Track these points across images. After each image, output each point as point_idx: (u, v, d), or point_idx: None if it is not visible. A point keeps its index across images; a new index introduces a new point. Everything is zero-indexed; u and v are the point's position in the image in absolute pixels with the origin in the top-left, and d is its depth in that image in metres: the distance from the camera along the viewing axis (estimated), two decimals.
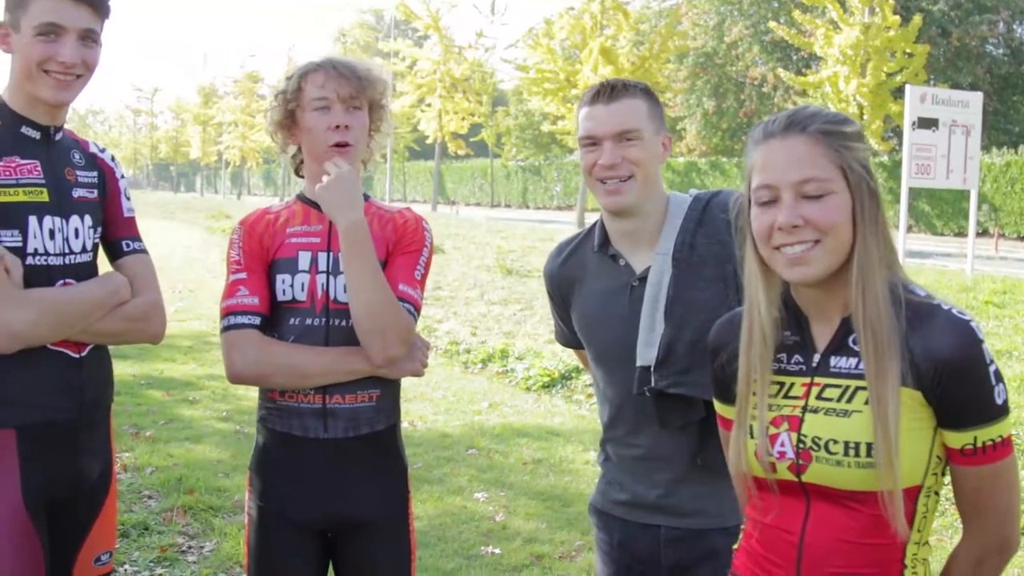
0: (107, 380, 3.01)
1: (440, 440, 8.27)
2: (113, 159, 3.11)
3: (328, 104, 2.91)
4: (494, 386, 10.67)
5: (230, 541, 5.82)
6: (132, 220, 3.08)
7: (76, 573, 2.93)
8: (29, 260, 2.73)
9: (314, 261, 2.92)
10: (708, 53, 49.93)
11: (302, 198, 3.04)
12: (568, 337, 3.19)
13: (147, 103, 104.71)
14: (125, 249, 3.02)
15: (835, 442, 2.04)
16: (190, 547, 5.81)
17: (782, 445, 2.11)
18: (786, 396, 2.15)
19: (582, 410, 9.63)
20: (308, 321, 2.90)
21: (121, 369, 6.88)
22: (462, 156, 51.76)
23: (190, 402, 9.65)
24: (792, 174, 2.05)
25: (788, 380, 2.17)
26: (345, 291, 2.87)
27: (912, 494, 2.04)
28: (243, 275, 2.93)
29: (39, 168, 2.79)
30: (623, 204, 2.83)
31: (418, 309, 2.93)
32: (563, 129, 35.62)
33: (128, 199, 3.10)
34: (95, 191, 2.96)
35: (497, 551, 5.86)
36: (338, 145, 2.92)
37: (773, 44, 46.75)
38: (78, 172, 2.92)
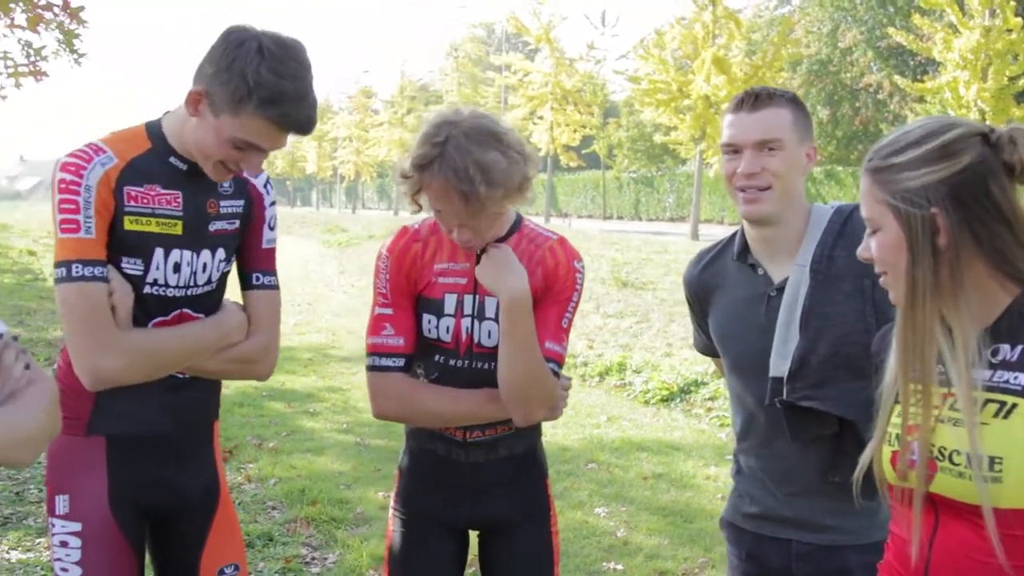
0: (211, 400, 3.01)
1: (560, 454, 8.22)
2: (267, 184, 3.00)
3: (445, 221, 2.78)
4: (612, 399, 10.60)
5: (353, 553, 5.85)
6: (270, 252, 3.01)
7: None
8: (147, 289, 2.72)
9: (459, 304, 2.90)
10: (822, 60, 49.12)
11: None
12: (706, 345, 3.15)
13: None
14: (255, 282, 2.97)
15: (959, 453, 1.98)
16: (314, 558, 5.86)
17: (913, 453, 2.07)
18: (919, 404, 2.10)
19: (702, 424, 9.51)
20: (452, 362, 2.91)
21: (243, 381, 6.98)
22: (574, 168, 51.70)
23: (311, 414, 9.77)
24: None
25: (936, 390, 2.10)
26: (490, 337, 2.87)
27: None
28: (389, 311, 2.92)
29: (179, 199, 2.74)
30: (761, 213, 2.78)
31: (561, 364, 2.89)
32: (675, 140, 35.31)
33: (272, 229, 3.02)
34: (236, 222, 2.91)
35: (619, 567, 5.80)
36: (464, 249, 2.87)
37: (889, 50, 45.79)
38: (222, 203, 2.86)
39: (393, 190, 76.83)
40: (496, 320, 2.85)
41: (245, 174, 2.91)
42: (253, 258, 2.98)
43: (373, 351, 2.91)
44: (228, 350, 2.84)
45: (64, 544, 2.75)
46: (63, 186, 2.60)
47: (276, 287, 3.02)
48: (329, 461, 8.01)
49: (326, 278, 24.42)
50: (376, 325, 2.92)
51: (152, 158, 2.72)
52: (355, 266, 27.06)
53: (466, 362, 2.90)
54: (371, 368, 2.91)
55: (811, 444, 2.74)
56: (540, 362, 2.79)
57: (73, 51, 14.27)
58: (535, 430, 3.06)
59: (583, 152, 49.39)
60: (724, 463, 8.08)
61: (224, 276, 2.93)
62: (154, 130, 2.76)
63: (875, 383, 2.27)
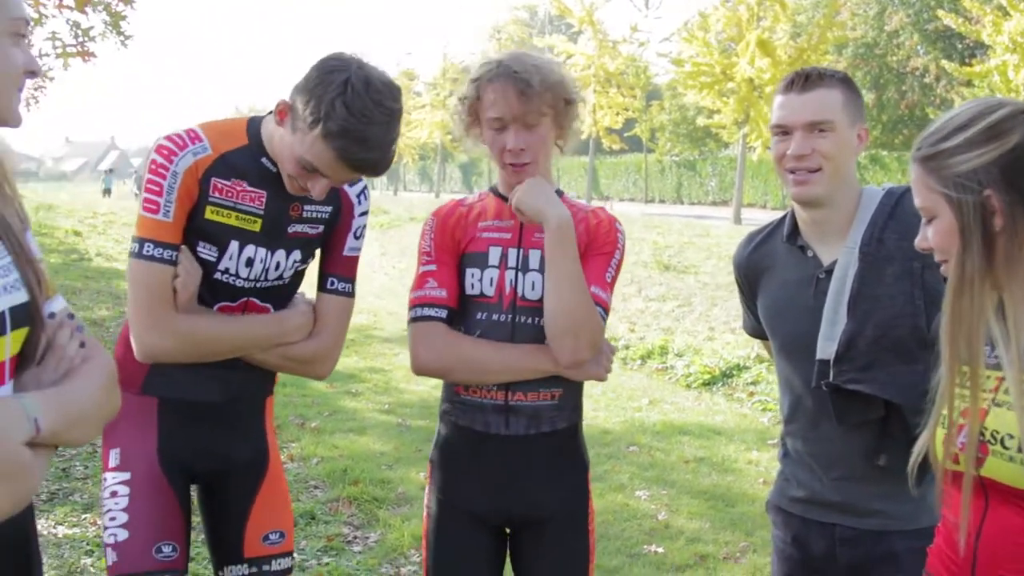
0: (263, 377, 3.04)
1: (601, 436, 8.21)
2: (362, 193, 3.03)
3: (502, 125, 2.85)
4: (654, 383, 10.57)
5: (394, 532, 5.88)
6: (352, 260, 3.03)
7: (247, 548, 3.01)
8: (217, 275, 2.80)
9: (504, 257, 2.90)
10: (868, 43, 48.59)
11: (495, 192, 3.02)
12: (755, 327, 3.11)
13: None
14: (328, 286, 3.00)
15: (1011, 436, 1.97)
16: (355, 537, 5.90)
17: (963, 436, 2.06)
18: (981, 390, 2.08)
19: (744, 408, 9.47)
20: (495, 316, 2.88)
21: None
22: (616, 151, 51.58)
23: (353, 394, 9.82)
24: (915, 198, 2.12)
25: (984, 372, 2.09)
26: (533, 289, 2.85)
27: None
28: (433, 267, 2.92)
29: (263, 198, 2.80)
30: (810, 195, 2.75)
31: (607, 311, 2.88)
32: (718, 123, 35.10)
33: (358, 238, 3.03)
34: (320, 227, 2.94)
35: (660, 550, 5.79)
36: (513, 165, 2.88)
37: (936, 33, 45.25)
38: (306, 207, 2.89)
39: (434, 172, 77.04)
40: (540, 271, 2.85)
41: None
42: (333, 263, 3.02)
43: (416, 303, 2.90)
44: (286, 348, 2.90)
45: (114, 494, 2.84)
46: (153, 167, 2.70)
47: (351, 295, 3.04)
48: (371, 441, 8.05)
49: (368, 259, 24.48)
50: (420, 281, 2.93)
51: (245, 154, 2.79)
52: (396, 248, 27.14)
53: (509, 316, 2.87)
54: (413, 320, 2.90)
55: (857, 428, 2.71)
56: (586, 293, 2.78)
57: (120, 32, 14.37)
58: (578, 407, 3.02)
59: (625, 135, 49.28)
60: (766, 448, 8.05)
61: (299, 273, 2.99)
62: (253, 128, 2.83)
63: (933, 366, 2.24)
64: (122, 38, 14.46)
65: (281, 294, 2.94)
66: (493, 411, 2.89)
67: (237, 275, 2.82)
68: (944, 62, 32.64)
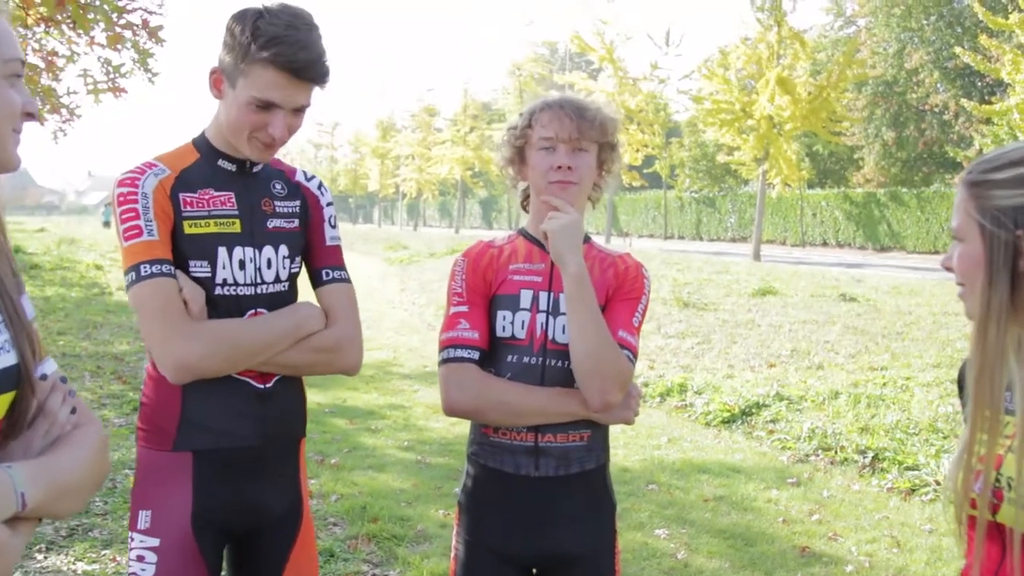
0: (296, 414, 3.03)
1: (620, 475, 8.18)
2: (321, 187, 3.12)
3: (553, 144, 2.92)
4: (673, 421, 10.53)
5: (413, 571, 5.86)
6: (336, 249, 3.08)
7: None
8: (218, 291, 2.79)
9: (535, 300, 2.93)
10: (887, 81, 48.67)
11: (524, 234, 3.06)
12: None
13: (328, 137, 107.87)
14: (325, 278, 3.03)
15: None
16: (374, 575, 5.88)
17: (979, 481, 2.05)
18: (1001, 436, 2.08)
19: (763, 447, 9.42)
20: (526, 359, 2.90)
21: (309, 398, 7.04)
22: (636, 188, 51.67)
23: (372, 431, 9.82)
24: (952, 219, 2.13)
25: (1005, 419, 2.08)
26: (564, 332, 2.87)
27: None
28: (464, 308, 2.95)
29: (233, 199, 2.85)
30: None
31: (635, 355, 2.89)
32: (738, 160, 35.18)
33: (333, 227, 3.10)
34: (295, 221, 2.99)
35: None
36: (560, 184, 2.93)
37: (955, 71, 45.31)
38: (277, 202, 2.95)
39: (454, 207, 77.20)
40: None
41: (298, 178, 3.07)
42: (320, 256, 3.05)
43: (447, 344, 2.92)
44: (308, 340, 2.87)
45: (141, 559, 2.78)
46: (121, 198, 2.73)
47: (348, 280, 3.08)
48: (390, 478, 8.04)
49: (388, 295, 24.54)
50: (451, 322, 2.95)
51: (201, 165, 2.86)
52: (416, 284, 27.19)
53: (540, 359, 2.89)
54: (444, 361, 2.91)
55: None
56: (608, 335, 2.80)
57: (147, 69, 14.50)
58: (605, 447, 3.03)
59: (645, 172, 49.32)
60: (785, 487, 8.01)
61: (294, 278, 2.99)
62: (199, 141, 2.92)
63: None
64: (149, 75, 14.59)
65: (285, 302, 2.93)
66: (522, 453, 2.91)
67: (236, 282, 2.82)
68: (963, 100, 32.67)
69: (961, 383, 2.31)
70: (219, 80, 2.80)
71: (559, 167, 2.91)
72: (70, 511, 1.87)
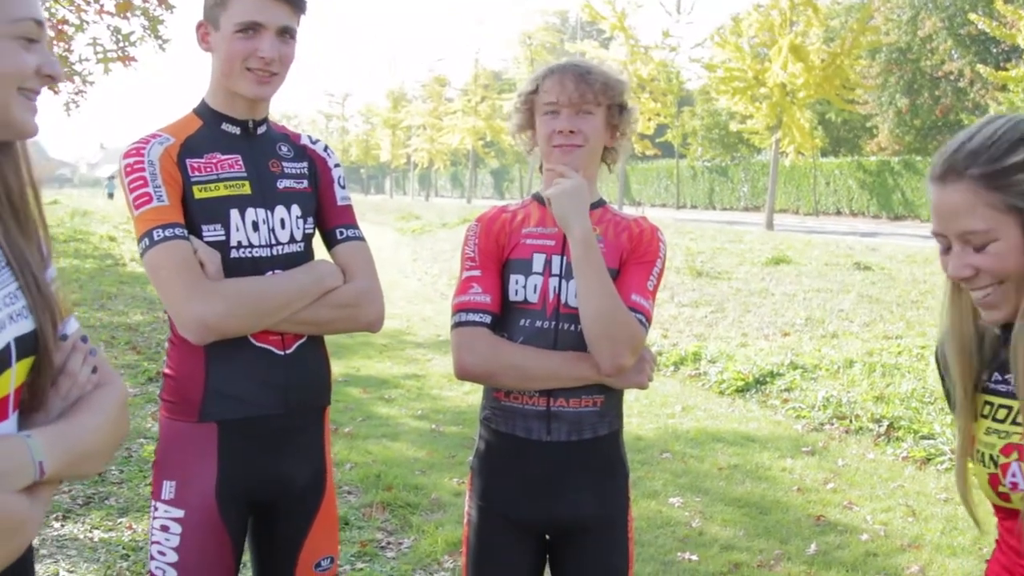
0: (319, 382, 3.00)
1: (634, 443, 8.18)
2: (327, 149, 3.12)
3: (556, 109, 2.91)
4: (687, 389, 10.52)
5: (427, 538, 5.88)
6: (347, 208, 3.07)
7: (298, 575, 2.97)
8: (233, 253, 2.77)
9: (548, 264, 2.91)
10: (901, 48, 48.25)
11: (538, 198, 3.03)
12: None
13: (338, 108, 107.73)
14: (339, 237, 3.02)
15: None
16: (389, 543, 5.90)
17: (1014, 475, 1.98)
18: (1014, 422, 2.01)
19: (778, 416, 9.41)
20: (538, 323, 2.88)
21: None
22: (648, 157, 51.47)
23: (386, 400, 9.84)
24: (954, 225, 1.96)
25: (1015, 404, 2.01)
26: (576, 296, 2.84)
27: None
28: (477, 272, 2.93)
29: (240, 162, 2.84)
30: None
31: (649, 319, 2.86)
32: (751, 128, 35.01)
33: (343, 188, 3.10)
34: (304, 181, 2.98)
35: (694, 558, 5.76)
36: (563, 148, 2.91)
37: (970, 37, 44.88)
38: (285, 163, 2.95)
39: (466, 178, 77.14)
40: None
41: (303, 142, 3.07)
42: (332, 216, 3.05)
43: (459, 308, 2.90)
44: (329, 296, 2.85)
45: (165, 528, 2.78)
46: (128, 169, 2.73)
47: (362, 238, 3.06)
48: (404, 447, 8.06)
49: (400, 265, 24.54)
50: (464, 286, 2.93)
51: (204, 132, 2.86)
52: (428, 253, 27.19)
53: (552, 323, 2.87)
54: (457, 325, 2.90)
55: None
56: (617, 299, 2.78)
57: (158, 37, 14.45)
58: (619, 414, 3.01)
59: (657, 141, 49.12)
60: (800, 455, 8.00)
61: (309, 238, 2.97)
62: (200, 108, 2.92)
63: (949, 398, 2.17)
64: (160, 42, 14.54)
65: (302, 263, 2.91)
66: (534, 417, 2.89)
67: (251, 244, 2.80)
68: (979, 66, 32.39)
69: (942, 363, 2.21)
70: (205, 32, 2.84)
71: (560, 131, 2.90)
72: (90, 474, 1.88)
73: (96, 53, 14.33)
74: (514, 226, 2.98)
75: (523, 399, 2.89)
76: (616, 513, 3.00)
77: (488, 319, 2.87)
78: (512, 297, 2.91)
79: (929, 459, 7.78)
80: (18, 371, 1.74)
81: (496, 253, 2.95)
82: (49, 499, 1.74)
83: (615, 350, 2.76)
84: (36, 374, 1.79)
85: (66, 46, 14.67)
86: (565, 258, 2.89)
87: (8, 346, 1.70)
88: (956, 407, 2.11)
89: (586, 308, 2.77)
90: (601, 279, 2.78)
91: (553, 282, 2.89)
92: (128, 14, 14.00)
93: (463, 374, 2.88)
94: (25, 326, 1.76)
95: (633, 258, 2.93)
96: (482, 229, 2.99)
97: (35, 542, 1.72)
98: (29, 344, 1.76)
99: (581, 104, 2.89)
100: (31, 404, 1.80)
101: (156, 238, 2.66)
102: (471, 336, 2.86)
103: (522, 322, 2.89)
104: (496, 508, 2.96)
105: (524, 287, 2.90)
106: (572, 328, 2.85)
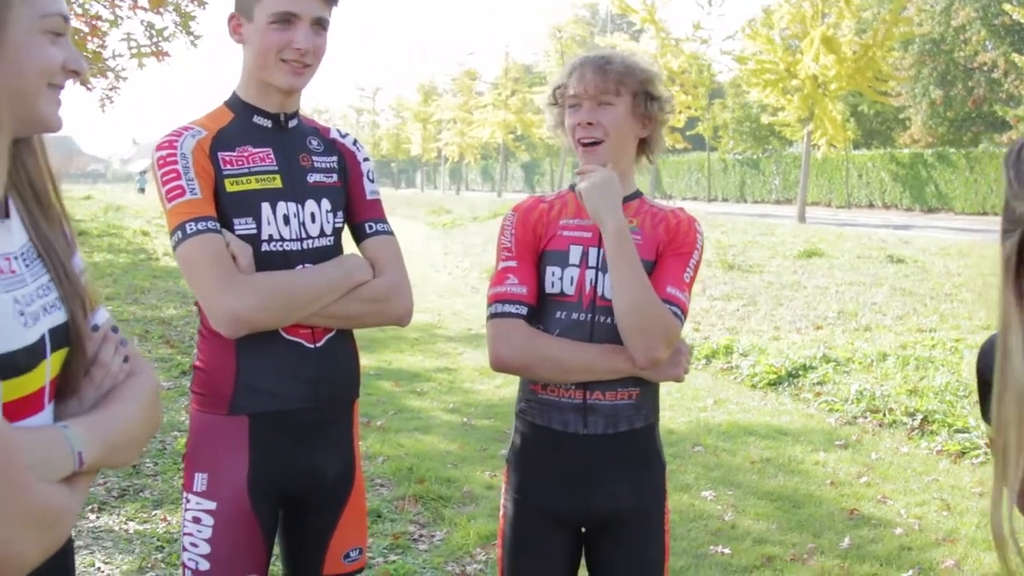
0: (348, 375, 3.01)
1: (666, 436, 8.10)
2: (356, 143, 3.13)
3: (578, 101, 2.90)
4: (719, 383, 10.49)
5: (460, 531, 5.89)
6: (376, 203, 3.08)
7: (327, 568, 2.99)
8: (264, 247, 2.78)
9: (584, 256, 2.89)
10: (934, 39, 47.80)
11: (574, 189, 3.01)
12: None
13: (369, 102, 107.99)
14: (368, 231, 3.02)
15: None
16: (421, 535, 5.92)
17: None
18: None
19: (810, 409, 9.36)
20: (574, 316, 2.86)
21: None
22: (679, 150, 51.31)
23: (418, 393, 9.86)
24: None
25: None
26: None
27: None
28: (513, 263, 2.92)
29: (271, 155, 2.85)
30: None
31: (685, 312, 2.85)
32: (782, 121, 34.80)
33: (372, 181, 3.10)
34: (334, 175, 2.99)
35: (727, 551, 5.75)
36: (583, 144, 2.90)
37: (1004, 27, 44.43)
38: (315, 157, 2.95)
39: (496, 171, 77.16)
40: None
41: (332, 135, 3.07)
42: (361, 210, 3.05)
43: (495, 300, 2.89)
44: (358, 290, 2.86)
45: (197, 520, 2.80)
46: (161, 161, 2.74)
47: (391, 233, 3.06)
48: (436, 440, 8.08)
49: (431, 259, 24.58)
50: (500, 277, 2.92)
51: (236, 124, 2.87)
52: (459, 247, 27.21)
53: (589, 315, 2.86)
54: (492, 316, 2.89)
55: None
56: (651, 292, 2.77)
57: (189, 32, 14.51)
58: (654, 406, 3.00)
59: (688, 134, 48.96)
60: (833, 449, 7.96)
61: (339, 232, 2.98)
62: (231, 101, 2.93)
63: (988, 413, 1.88)
64: (192, 38, 14.60)
65: (332, 256, 2.92)
66: (571, 410, 2.88)
67: (281, 238, 2.81)
68: (1013, 56, 32.07)
69: (984, 373, 1.95)
70: (237, 24, 2.84)
71: (579, 123, 2.89)
72: (126, 462, 1.90)
73: (130, 48, 14.39)
74: (551, 217, 2.96)
75: (559, 392, 2.88)
76: (652, 506, 2.98)
77: (524, 310, 2.86)
78: (548, 289, 2.90)
79: (964, 453, 7.72)
80: (53, 363, 1.76)
81: (533, 244, 2.94)
82: (87, 489, 1.75)
83: (649, 343, 2.74)
84: (69, 364, 1.81)
85: (100, 42, 14.76)
86: (602, 250, 2.87)
87: (43, 338, 1.71)
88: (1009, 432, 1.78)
89: (619, 301, 2.76)
90: (634, 272, 2.76)
91: (590, 274, 2.87)
92: (161, 9, 14.06)
93: (498, 366, 2.88)
94: (58, 317, 1.77)
95: (670, 250, 2.91)
96: (519, 219, 2.98)
97: (71, 533, 1.72)
98: (62, 335, 1.78)
99: (600, 95, 2.87)
100: (65, 394, 1.82)
101: (189, 231, 2.66)
102: (507, 327, 2.85)
103: (558, 314, 2.88)
104: (532, 501, 2.95)
105: (560, 279, 2.88)
106: (608, 321, 2.83)
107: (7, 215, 1.74)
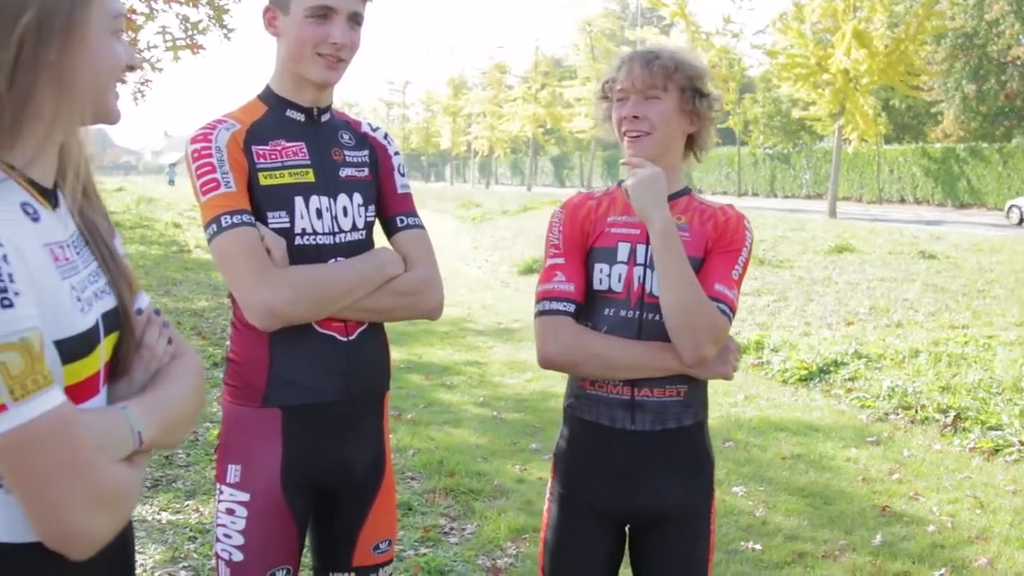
0: (380, 368, 3.01)
1: None
2: (387, 137, 3.13)
3: (626, 96, 2.89)
4: (749, 378, 10.45)
5: (490, 525, 5.90)
6: (407, 196, 3.07)
7: (356, 560, 2.99)
8: (298, 240, 2.78)
9: (632, 253, 2.89)
10: (967, 33, 47.34)
11: (622, 186, 3.01)
12: None
13: (399, 96, 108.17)
14: (399, 225, 3.01)
15: None
16: (452, 528, 5.93)
17: None
18: None
19: (842, 405, 9.32)
20: (622, 313, 2.86)
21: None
22: None
23: (448, 387, 9.88)
24: None
25: None
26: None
27: None
28: (561, 260, 2.92)
29: (304, 150, 2.85)
30: None
31: (733, 310, 2.84)
32: (813, 115, 34.67)
33: (403, 175, 3.11)
34: (365, 169, 2.99)
35: (758, 547, 5.73)
36: (630, 137, 2.89)
37: None
38: (346, 152, 2.95)
39: (526, 165, 77.11)
40: None
41: (364, 129, 3.07)
42: (392, 204, 3.04)
43: (543, 297, 2.89)
44: (390, 284, 2.86)
45: (231, 512, 2.81)
46: (195, 155, 2.74)
47: (422, 227, 3.06)
48: (466, 434, 8.09)
49: (461, 252, 24.60)
50: (548, 274, 2.92)
51: (270, 118, 2.87)
52: (489, 241, 27.22)
53: (637, 313, 2.85)
54: (540, 313, 2.88)
55: None
56: (698, 289, 2.76)
57: (223, 25, 14.54)
58: (703, 403, 2.99)
59: (718, 128, 48.48)
60: (864, 445, 7.92)
61: (370, 226, 2.97)
62: (265, 94, 2.92)
63: None
64: (225, 31, 14.64)
65: (364, 250, 2.91)
66: (619, 406, 2.88)
67: (315, 232, 2.81)
68: None
69: None
70: (272, 16, 2.84)
71: (626, 117, 2.89)
72: (178, 441, 1.99)
73: (165, 41, 14.45)
74: (599, 214, 2.96)
75: (607, 388, 2.88)
76: (699, 503, 2.98)
77: (572, 308, 2.86)
78: (596, 286, 2.89)
79: (997, 450, 7.67)
80: (106, 346, 1.81)
81: (581, 241, 2.93)
82: (144, 467, 1.81)
83: (696, 341, 2.74)
84: (119, 347, 1.87)
85: (134, 35, 14.82)
86: (650, 247, 2.85)
87: (97, 323, 1.76)
88: None
89: (667, 299, 2.76)
90: (681, 269, 2.75)
91: (638, 271, 2.87)
92: (195, 2, 14.11)
93: (546, 363, 2.87)
94: (109, 302, 1.83)
95: (718, 247, 2.90)
96: (567, 216, 2.97)
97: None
98: (113, 319, 1.83)
99: (646, 90, 2.86)
100: (115, 376, 1.88)
101: (224, 224, 2.67)
102: (555, 325, 2.85)
103: (606, 311, 2.88)
104: (579, 496, 2.95)
105: (608, 276, 2.88)
106: (656, 318, 2.82)
107: (57, 204, 1.79)
